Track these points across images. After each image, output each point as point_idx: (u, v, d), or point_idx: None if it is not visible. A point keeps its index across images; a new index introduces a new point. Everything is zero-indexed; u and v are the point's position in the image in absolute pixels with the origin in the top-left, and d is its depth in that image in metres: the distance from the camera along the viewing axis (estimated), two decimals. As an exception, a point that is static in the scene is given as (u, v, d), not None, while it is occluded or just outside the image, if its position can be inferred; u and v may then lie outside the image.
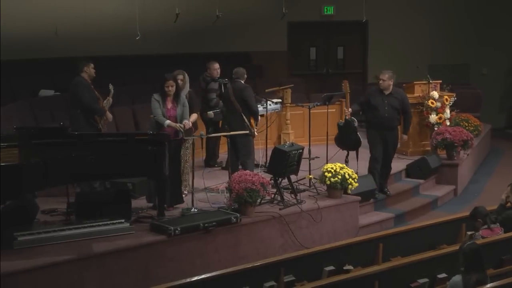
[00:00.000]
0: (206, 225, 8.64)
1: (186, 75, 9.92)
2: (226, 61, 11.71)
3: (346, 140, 10.79)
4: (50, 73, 13.70)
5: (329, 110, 12.34)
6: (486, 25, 17.54)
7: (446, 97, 12.67)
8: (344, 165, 10.09)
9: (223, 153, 11.70)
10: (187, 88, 9.94)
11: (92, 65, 10.04)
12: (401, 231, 8.39)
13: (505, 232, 7.84)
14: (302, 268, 7.21)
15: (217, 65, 11.28)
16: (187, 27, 15.17)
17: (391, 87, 10.48)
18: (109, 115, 10.13)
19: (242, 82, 10.39)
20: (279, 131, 12.79)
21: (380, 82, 10.46)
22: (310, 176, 10.48)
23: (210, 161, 11.54)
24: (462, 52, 17.66)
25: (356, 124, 10.76)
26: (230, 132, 10.20)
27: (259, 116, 10.56)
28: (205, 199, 9.67)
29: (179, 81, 9.62)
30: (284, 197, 9.63)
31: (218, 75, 11.29)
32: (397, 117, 10.57)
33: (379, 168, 10.60)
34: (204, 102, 11.38)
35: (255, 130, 10.37)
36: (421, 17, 17.32)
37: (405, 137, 10.67)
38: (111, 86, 10.10)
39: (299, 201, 9.65)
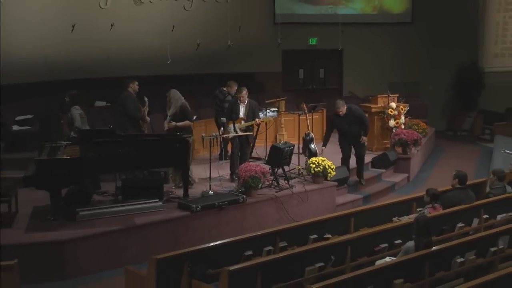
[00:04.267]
0: (220, 204, 8.68)
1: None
2: (235, 80, 11.68)
3: (306, 150, 10.81)
4: (103, 88, 13.71)
5: (313, 117, 12.36)
6: (433, 53, 17.54)
7: (401, 107, 12.66)
8: (325, 158, 10.09)
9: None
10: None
11: (136, 82, 10.05)
12: (368, 208, 8.37)
13: (443, 209, 7.83)
14: (292, 237, 7.19)
15: (236, 86, 11.19)
16: (206, 53, 15.17)
17: (345, 110, 10.32)
18: (147, 119, 10.14)
19: (235, 96, 10.35)
20: (275, 132, 12.77)
21: (340, 113, 10.28)
22: (299, 167, 10.48)
23: (223, 155, 11.53)
24: (414, 73, 17.63)
25: (309, 137, 10.79)
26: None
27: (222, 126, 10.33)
28: (219, 184, 9.67)
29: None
30: (279, 182, 9.64)
31: (234, 92, 11.24)
32: (357, 127, 10.41)
33: (348, 164, 10.62)
34: (219, 110, 11.38)
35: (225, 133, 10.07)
36: (384, 46, 17.28)
37: (364, 138, 10.54)
38: (145, 98, 10.09)
39: (290, 186, 9.67)
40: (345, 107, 10.37)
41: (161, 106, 13.32)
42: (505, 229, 7.19)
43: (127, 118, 9.77)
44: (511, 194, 8.47)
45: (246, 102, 10.10)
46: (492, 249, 6.80)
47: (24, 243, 7.49)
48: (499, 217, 8.07)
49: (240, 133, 10.00)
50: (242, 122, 10.04)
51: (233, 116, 10.02)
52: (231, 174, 9.96)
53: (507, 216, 8.10)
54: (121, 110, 9.88)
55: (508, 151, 12.82)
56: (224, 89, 11.38)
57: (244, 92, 10.10)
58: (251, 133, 10.26)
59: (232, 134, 9.90)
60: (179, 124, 9.65)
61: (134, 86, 9.98)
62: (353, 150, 10.68)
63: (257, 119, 10.30)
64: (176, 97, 9.77)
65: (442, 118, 17.78)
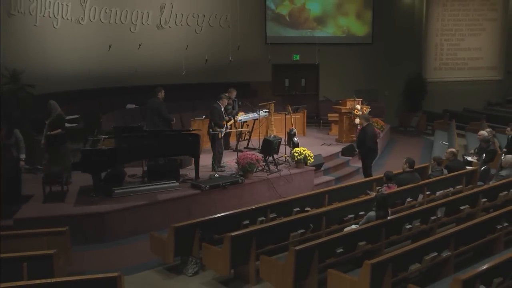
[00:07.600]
0: (224, 184, 8.67)
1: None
2: (234, 87, 11.64)
3: (291, 142, 10.78)
4: (132, 94, 13.67)
5: (296, 116, 12.32)
6: (388, 66, 17.56)
7: (364, 108, 12.63)
8: (306, 148, 10.07)
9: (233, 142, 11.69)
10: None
11: (163, 91, 9.99)
12: (339, 188, 8.40)
13: (397, 187, 7.85)
14: (280, 209, 7.23)
15: (235, 92, 11.12)
16: (212, 67, 15.10)
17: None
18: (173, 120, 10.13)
19: (218, 102, 9.80)
20: (267, 128, 12.75)
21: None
22: (285, 155, 10.47)
23: (226, 146, 11.49)
24: (374, 82, 17.63)
25: (293, 132, 10.72)
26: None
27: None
28: (223, 168, 9.65)
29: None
30: (270, 167, 9.63)
31: (234, 97, 11.20)
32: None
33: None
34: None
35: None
36: (351, 61, 17.29)
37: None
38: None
39: (279, 170, 9.65)
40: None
41: (178, 108, 13.37)
42: (442, 202, 7.24)
43: (162, 119, 9.76)
44: (447, 175, 8.52)
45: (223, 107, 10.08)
46: (432, 217, 6.85)
47: (73, 213, 7.49)
48: (438, 193, 8.12)
49: (228, 130, 10.06)
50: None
51: (223, 118, 9.89)
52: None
53: (443, 192, 8.16)
54: (156, 113, 9.84)
55: (444, 142, 12.90)
56: (226, 94, 11.33)
57: (227, 101, 10.17)
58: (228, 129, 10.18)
59: (225, 131, 9.89)
60: (53, 132, 8.69)
61: (161, 94, 9.97)
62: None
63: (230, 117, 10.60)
64: (55, 107, 8.92)
65: (395, 117, 17.79)
